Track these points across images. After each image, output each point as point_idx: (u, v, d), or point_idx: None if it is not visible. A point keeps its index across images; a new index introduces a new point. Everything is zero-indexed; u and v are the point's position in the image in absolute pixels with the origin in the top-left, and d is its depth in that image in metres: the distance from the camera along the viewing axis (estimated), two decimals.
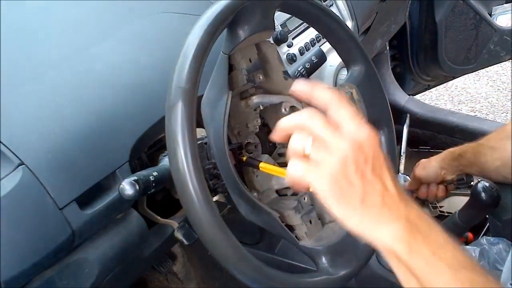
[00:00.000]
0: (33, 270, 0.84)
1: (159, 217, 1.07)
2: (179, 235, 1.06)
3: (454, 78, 2.62)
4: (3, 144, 0.85)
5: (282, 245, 1.64)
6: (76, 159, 0.90)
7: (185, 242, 1.06)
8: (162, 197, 1.11)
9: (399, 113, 2.46)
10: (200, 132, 0.95)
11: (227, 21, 0.83)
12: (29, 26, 1.11)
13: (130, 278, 1.24)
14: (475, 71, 2.48)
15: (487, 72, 3.48)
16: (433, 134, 2.38)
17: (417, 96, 2.72)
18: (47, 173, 0.86)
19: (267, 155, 1.01)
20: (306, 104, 1.04)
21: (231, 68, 0.93)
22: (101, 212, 0.92)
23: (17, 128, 0.89)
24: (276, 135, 0.70)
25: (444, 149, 1.41)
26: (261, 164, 0.94)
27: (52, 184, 0.86)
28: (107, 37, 1.11)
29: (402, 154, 1.96)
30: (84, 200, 0.91)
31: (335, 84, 1.56)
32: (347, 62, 1.06)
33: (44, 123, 0.91)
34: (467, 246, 1.36)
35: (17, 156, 0.85)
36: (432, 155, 1.42)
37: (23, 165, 0.84)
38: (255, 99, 0.98)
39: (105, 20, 1.17)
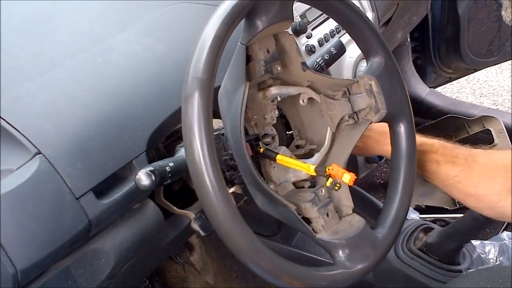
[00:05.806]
0: (49, 259, 0.84)
1: (175, 208, 1.07)
2: (195, 226, 1.06)
3: (476, 70, 2.58)
4: (21, 133, 0.85)
5: (299, 237, 1.63)
6: (93, 148, 0.90)
7: (202, 233, 1.05)
8: (179, 187, 1.11)
9: (419, 106, 2.44)
10: (217, 123, 0.94)
11: (245, 11, 0.82)
12: (48, 17, 1.11)
13: (147, 268, 1.25)
14: (497, 63, 2.45)
15: (510, 65, 3.43)
16: None
17: (438, 89, 2.69)
18: (64, 163, 0.86)
19: (284, 147, 1.00)
20: (324, 95, 1.03)
21: (248, 59, 0.92)
22: (117, 202, 0.92)
23: (35, 117, 0.89)
24: None
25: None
26: (278, 156, 0.94)
27: (69, 173, 0.86)
28: (125, 27, 1.11)
29: None
30: (101, 190, 0.91)
31: (354, 76, 1.55)
32: (366, 54, 1.05)
33: (61, 113, 0.91)
34: (487, 241, 1.34)
35: (34, 145, 0.85)
36: None
37: (40, 154, 0.85)
38: (273, 90, 0.98)
39: (123, 10, 1.17)
